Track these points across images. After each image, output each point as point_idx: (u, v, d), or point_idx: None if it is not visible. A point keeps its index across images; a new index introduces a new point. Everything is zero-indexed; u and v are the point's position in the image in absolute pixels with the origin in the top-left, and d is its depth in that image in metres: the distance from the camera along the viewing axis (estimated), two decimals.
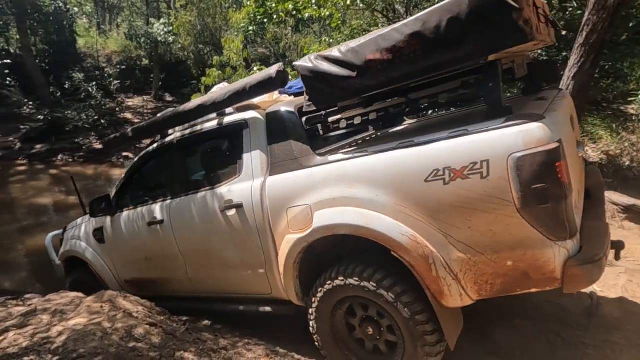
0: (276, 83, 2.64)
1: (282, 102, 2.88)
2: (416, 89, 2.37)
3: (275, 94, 3.19)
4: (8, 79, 15.15)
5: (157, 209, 3.26)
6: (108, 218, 3.67)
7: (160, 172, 3.53)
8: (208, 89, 7.25)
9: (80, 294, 3.69)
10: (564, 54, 6.18)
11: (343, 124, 2.61)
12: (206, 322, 3.42)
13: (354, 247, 2.43)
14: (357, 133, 3.18)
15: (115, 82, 16.75)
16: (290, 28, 8.98)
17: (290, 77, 2.90)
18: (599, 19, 4.14)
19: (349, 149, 2.51)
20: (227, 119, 2.93)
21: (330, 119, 2.61)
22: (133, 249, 3.56)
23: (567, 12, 6.33)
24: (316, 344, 2.67)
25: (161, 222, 3.21)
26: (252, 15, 7.50)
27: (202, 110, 3.03)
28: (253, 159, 2.72)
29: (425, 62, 2.03)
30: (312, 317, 2.62)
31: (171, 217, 3.15)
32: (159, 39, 17.36)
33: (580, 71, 4.39)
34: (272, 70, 2.65)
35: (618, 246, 2.65)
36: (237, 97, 2.82)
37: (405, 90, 2.39)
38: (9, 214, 8.99)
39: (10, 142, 13.34)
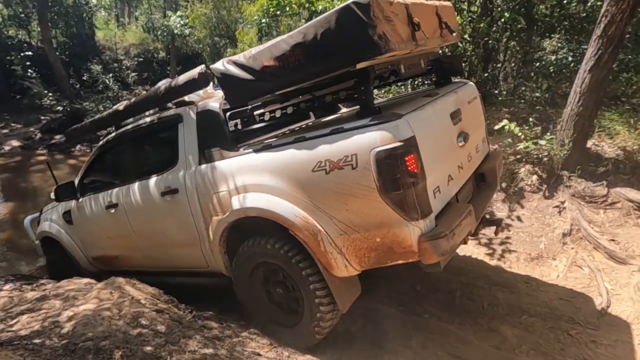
0: (199, 83, 2.90)
1: (212, 98, 3.17)
2: (319, 87, 2.60)
3: (210, 89, 3.35)
4: (30, 70, 15.47)
5: (113, 194, 3.64)
6: (74, 202, 4.05)
7: (115, 161, 3.92)
8: None
9: (92, 281, 3.79)
10: (584, 47, 6.02)
11: (264, 118, 2.83)
12: (212, 312, 3.46)
13: (268, 226, 2.72)
14: (279, 126, 3.49)
15: (133, 74, 16.93)
16: (303, 20, 8.96)
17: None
18: (618, 10, 4.01)
19: (262, 142, 2.79)
20: (166, 114, 3.27)
21: (248, 115, 2.88)
22: (96, 230, 3.95)
23: (588, 4, 6.15)
24: (240, 303, 3.14)
25: (116, 205, 3.59)
26: (265, 8, 7.51)
27: (144, 105, 3.40)
28: (186, 149, 3.07)
29: (308, 69, 2.34)
30: (235, 282, 3.08)
31: (124, 201, 3.53)
32: (176, 31, 17.45)
33: (597, 64, 4.27)
34: (195, 71, 2.92)
35: (496, 224, 3.19)
36: (170, 94, 3.11)
37: (310, 88, 2.63)
38: (30, 202, 9.23)
39: (31, 133, 13.66)
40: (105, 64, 16.90)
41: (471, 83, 3.34)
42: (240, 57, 2.57)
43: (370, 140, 2.20)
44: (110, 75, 14.98)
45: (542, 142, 4.80)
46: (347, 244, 2.41)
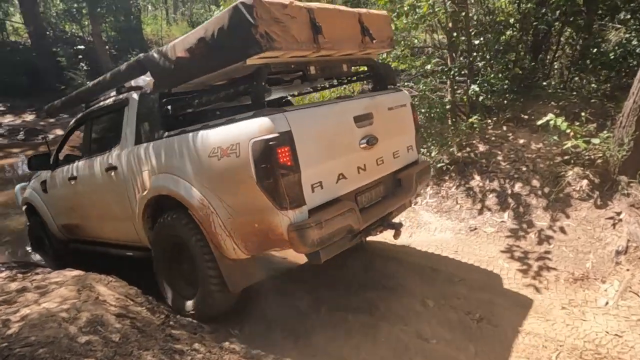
0: (137, 70, 3.12)
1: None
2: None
3: None
4: (81, 64, 16.14)
5: (74, 167, 3.95)
6: (49, 172, 4.34)
7: (81, 137, 4.18)
8: None
9: (81, 273, 3.55)
10: None
11: (191, 105, 3.06)
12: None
13: (177, 205, 2.90)
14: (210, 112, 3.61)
15: None
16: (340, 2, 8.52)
17: None
18: None
19: (182, 128, 2.94)
20: (119, 97, 3.46)
21: (179, 102, 3.12)
22: (62, 199, 4.26)
23: None
24: (156, 272, 3.26)
25: (75, 178, 3.90)
26: None
27: (99, 88, 3.65)
28: (128, 130, 3.30)
29: (208, 61, 2.57)
30: (152, 254, 3.26)
31: (80, 175, 3.84)
32: None
33: None
34: (134, 59, 3.16)
35: (395, 227, 3.17)
36: (116, 79, 3.38)
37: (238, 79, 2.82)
38: None
39: None
40: None
41: (404, 91, 3.50)
42: (165, 47, 2.81)
43: (251, 131, 2.37)
44: None
45: (596, 140, 4.04)
46: (234, 228, 2.59)
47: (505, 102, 5.89)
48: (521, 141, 5.00)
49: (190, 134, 2.72)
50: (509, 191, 4.52)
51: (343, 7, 3.03)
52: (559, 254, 3.73)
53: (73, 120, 4.26)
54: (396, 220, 3.48)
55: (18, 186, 5.31)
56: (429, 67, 6.01)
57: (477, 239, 4.20)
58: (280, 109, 2.45)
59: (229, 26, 2.34)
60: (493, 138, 5.22)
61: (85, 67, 16.05)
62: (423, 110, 5.78)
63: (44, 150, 4.84)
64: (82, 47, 17.35)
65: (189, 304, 3.01)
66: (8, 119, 13.66)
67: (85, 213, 3.99)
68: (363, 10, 3.06)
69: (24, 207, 5.03)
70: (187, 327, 2.88)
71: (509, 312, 3.09)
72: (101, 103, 3.76)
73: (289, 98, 4.53)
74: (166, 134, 2.97)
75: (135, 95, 3.29)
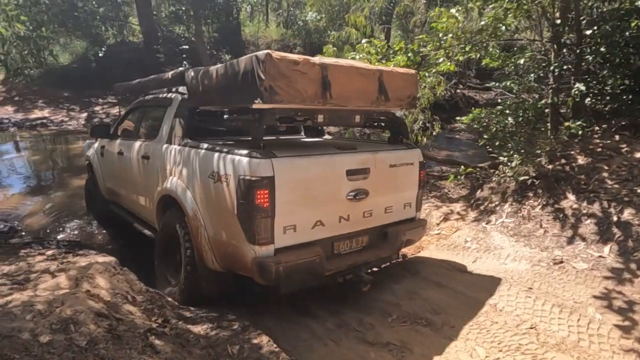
0: (174, 80, 3.58)
1: None
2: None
3: None
4: (184, 62, 17.35)
5: (123, 144, 4.53)
6: (108, 140, 4.96)
7: (133, 119, 4.88)
8: None
9: (110, 260, 3.46)
10: None
11: (216, 121, 3.49)
12: (201, 327, 2.77)
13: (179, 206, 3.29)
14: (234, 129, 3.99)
15: None
16: (424, 1, 7.72)
17: None
18: None
19: (200, 142, 3.22)
20: (168, 95, 3.91)
21: (206, 116, 3.54)
22: (110, 166, 4.96)
23: None
24: (155, 253, 3.62)
25: (122, 153, 4.47)
26: None
27: (153, 84, 4.18)
28: (164, 128, 3.69)
29: (223, 96, 2.91)
30: (157, 237, 3.67)
31: (125, 152, 4.39)
32: (311, 25, 17.64)
33: None
34: (180, 70, 3.52)
35: (364, 280, 3.10)
36: (166, 82, 3.80)
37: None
38: None
39: None
40: None
41: (416, 150, 3.51)
42: (201, 70, 3.05)
43: (241, 168, 2.61)
44: None
45: None
46: (215, 244, 2.92)
47: (623, 106, 4.70)
48: (638, 155, 3.87)
49: (203, 151, 3.01)
50: (614, 218, 3.48)
51: (363, 65, 3.09)
52: None
53: (134, 102, 4.90)
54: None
55: (87, 142, 6.18)
56: (522, 61, 5.03)
57: (562, 276, 3.26)
58: (271, 154, 2.62)
59: (242, 73, 2.57)
60: (599, 149, 4.13)
61: (187, 65, 17.20)
62: (508, 112, 4.84)
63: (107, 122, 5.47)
64: (186, 46, 18.66)
65: (171, 290, 3.34)
66: (116, 110, 15.12)
67: (123, 184, 4.59)
68: (387, 68, 3.18)
69: (86, 162, 5.90)
70: (181, 337, 2.54)
71: None
72: (154, 96, 4.29)
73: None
74: (189, 142, 3.25)
75: (178, 98, 3.66)
